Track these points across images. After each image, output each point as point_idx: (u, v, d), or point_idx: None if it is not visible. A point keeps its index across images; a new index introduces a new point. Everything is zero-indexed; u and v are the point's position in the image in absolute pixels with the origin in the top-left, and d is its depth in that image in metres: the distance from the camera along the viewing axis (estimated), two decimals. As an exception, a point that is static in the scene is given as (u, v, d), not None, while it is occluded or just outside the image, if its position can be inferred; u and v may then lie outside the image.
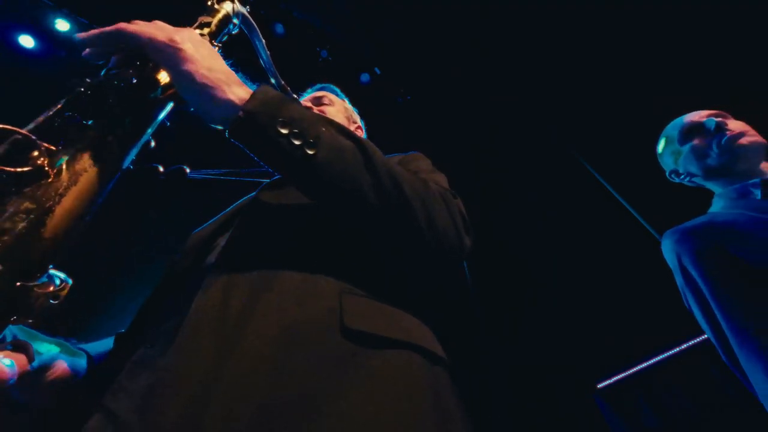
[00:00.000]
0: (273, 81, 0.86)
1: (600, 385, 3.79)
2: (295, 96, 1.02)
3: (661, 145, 1.47)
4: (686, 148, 1.33)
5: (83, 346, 0.66)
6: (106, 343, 0.70)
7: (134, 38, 0.51)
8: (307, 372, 0.43)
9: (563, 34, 3.65)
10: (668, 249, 1.19)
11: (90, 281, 2.64)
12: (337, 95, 1.27)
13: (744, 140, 1.21)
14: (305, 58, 3.74)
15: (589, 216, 3.98)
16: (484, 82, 4.22)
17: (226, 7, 0.70)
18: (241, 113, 0.51)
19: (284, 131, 0.51)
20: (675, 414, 3.32)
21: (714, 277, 1.04)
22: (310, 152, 0.51)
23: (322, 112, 1.13)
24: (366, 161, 0.55)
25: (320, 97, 1.20)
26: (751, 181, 1.18)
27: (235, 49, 0.77)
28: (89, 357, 0.64)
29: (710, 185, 1.35)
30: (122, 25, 0.51)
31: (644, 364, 3.62)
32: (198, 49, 0.53)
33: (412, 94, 4.26)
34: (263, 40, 0.81)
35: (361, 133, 1.28)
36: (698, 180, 1.36)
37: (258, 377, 0.42)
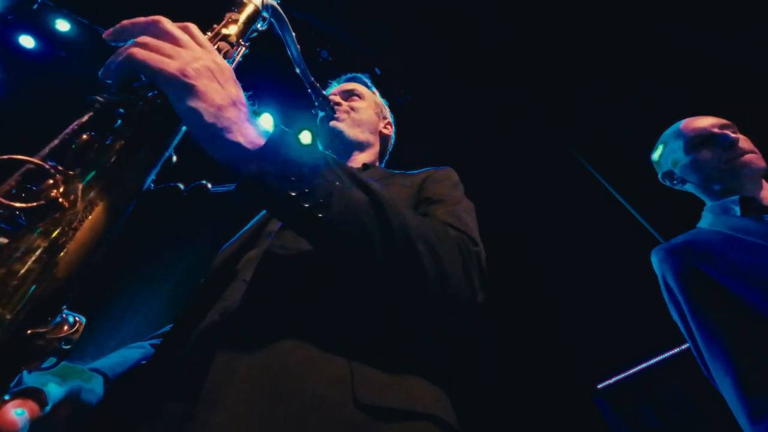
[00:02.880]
0: (301, 76, 0.82)
1: (600, 385, 3.79)
2: (324, 94, 0.99)
3: (659, 148, 1.47)
4: (689, 158, 1.32)
5: (96, 365, 0.65)
6: (120, 360, 0.69)
7: (143, 67, 0.46)
8: None
9: (563, 34, 3.65)
10: (655, 266, 1.28)
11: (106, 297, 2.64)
12: (367, 87, 1.24)
13: (752, 162, 1.21)
14: (305, 59, 3.73)
15: (589, 216, 3.97)
16: (484, 82, 4.22)
17: (256, 1, 0.65)
18: (249, 176, 0.49)
19: (293, 194, 0.49)
20: (675, 414, 3.32)
21: (690, 297, 1.13)
22: (320, 215, 0.50)
23: (352, 107, 1.11)
24: (378, 217, 0.54)
25: (351, 90, 1.17)
26: (730, 198, 1.22)
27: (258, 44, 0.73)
28: (107, 379, 0.63)
29: (699, 194, 1.36)
30: (132, 51, 0.46)
31: (644, 364, 3.61)
32: (211, 83, 0.49)
33: (412, 94, 4.26)
34: (293, 34, 0.77)
35: (390, 130, 1.25)
36: (690, 188, 1.37)
37: None
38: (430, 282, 0.55)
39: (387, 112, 1.28)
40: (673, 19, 3.09)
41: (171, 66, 0.46)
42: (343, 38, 3.85)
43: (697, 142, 1.30)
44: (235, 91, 0.52)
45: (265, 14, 0.68)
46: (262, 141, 0.51)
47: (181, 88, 0.46)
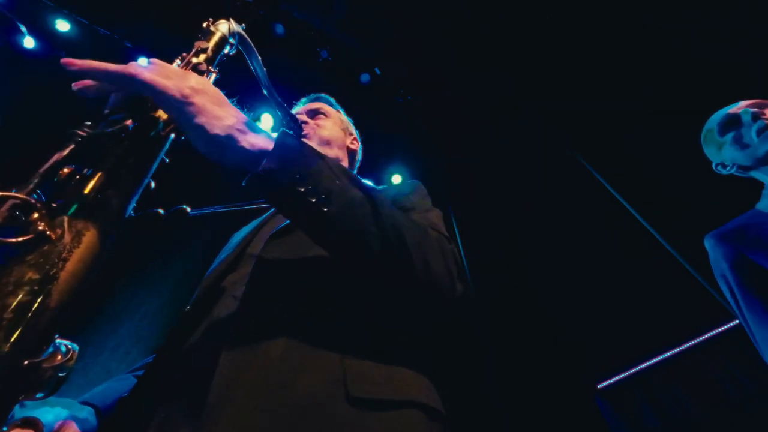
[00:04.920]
0: (268, 96, 0.86)
1: (600, 385, 3.79)
2: (292, 114, 1.03)
3: (703, 139, 1.47)
4: (726, 141, 1.35)
5: (86, 398, 0.67)
6: (109, 391, 0.71)
7: (146, 87, 0.49)
8: None
9: (564, 34, 3.65)
10: (709, 251, 1.31)
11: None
12: (332, 106, 1.28)
13: None
14: (305, 58, 3.74)
15: (589, 216, 3.98)
16: (484, 82, 4.22)
17: (222, 29, 0.69)
18: (260, 170, 0.53)
19: (301, 189, 0.54)
20: (675, 414, 3.32)
21: (741, 287, 1.17)
22: (324, 209, 0.54)
23: (318, 125, 1.15)
24: (374, 212, 0.59)
25: (316, 109, 1.21)
26: None
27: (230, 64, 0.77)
28: (97, 412, 0.64)
29: (757, 174, 1.35)
30: (136, 70, 0.50)
31: (644, 364, 3.61)
32: (208, 99, 0.54)
33: (412, 94, 4.26)
34: (260, 58, 0.81)
35: (357, 145, 1.30)
36: (743, 172, 1.37)
37: None
38: (417, 273, 0.59)
39: (352, 128, 1.33)
40: (672, 18, 3.09)
41: (171, 89, 0.50)
42: (343, 38, 3.85)
43: (725, 124, 1.34)
44: (227, 103, 0.57)
45: (231, 41, 0.71)
46: (266, 144, 0.55)
47: (184, 108, 0.51)
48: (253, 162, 0.53)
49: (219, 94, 0.57)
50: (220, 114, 0.53)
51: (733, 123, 1.32)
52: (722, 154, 1.38)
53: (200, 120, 0.51)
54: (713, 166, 1.47)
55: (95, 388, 0.72)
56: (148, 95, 0.50)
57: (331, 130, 1.16)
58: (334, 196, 0.55)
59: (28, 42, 3.10)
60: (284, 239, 0.72)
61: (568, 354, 3.94)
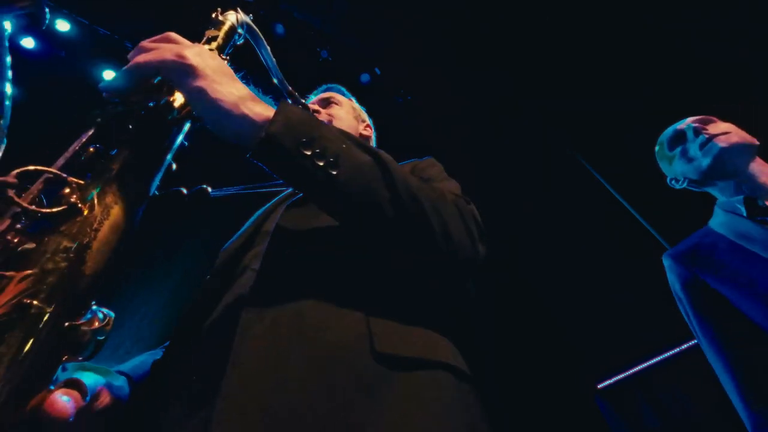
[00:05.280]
0: (279, 85, 0.87)
1: (600, 385, 3.79)
2: (303, 101, 1.03)
3: (656, 154, 1.50)
4: (675, 156, 1.37)
5: (121, 368, 0.67)
6: (142, 364, 0.71)
7: (149, 66, 0.51)
8: (347, 400, 0.45)
9: (564, 34, 3.65)
10: (666, 271, 1.31)
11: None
12: (343, 95, 1.27)
13: (722, 141, 1.22)
14: (305, 58, 3.75)
15: (590, 216, 3.98)
16: (484, 81, 4.23)
17: (231, 18, 0.71)
18: (263, 134, 0.51)
19: (307, 152, 0.52)
20: (675, 414, 3.32)
21: (696, 310, 1.18)
22: (333, 172, 0.53)
23: (331, 114, 1.14)
24: (384, 175, 0.56)
25: (327, 99, 1.20)
26: (735, 198, 1.22)
27: (240, 57, 0.78)
28: (130, 380, 0.65)
29: (710, 190, 1.36)
30: (136, 59, 0.51)
31: (644, 364, 3.61)
32: (207, 64, 0.53)
33: (412, 94, 4.26)
34: (268, 48, 0.82)
35: (370, 132, 1.29)
36: (694, 186, 1.38)
37: (304, 411, 0.44)
38: (435, 234, 0.58)
39: (365, 115, 1.32)
40: (672, 18, 3.10)
41: (168, 55, 0.51)
42: (343, 38, 3.85)
43: (672, 140, 1.37)
44: (231, 73, 0.57)
45: (240, 30, 0.73)
46: (269, 113, 0.54)
47: (182, 70, 0.51)
48: (256, 130, 0.52)
49: (224, 65, 0.57)
50: (222, 80, 0.53)
51: (679, 138, 1.35)
52: (673, 169, 1.40)
53: (201, 83, 0.51)
54: (667, 180, 1.49)
55: (130, 360, 0.73)
56: (154, 71, 0.51)
57: (344, 117, 1.15)
58: (342, 159, 0.54)
59: (28, 42, 3.10)
60: (302, 208, 0.71)
61: (568, 354, 3.94)
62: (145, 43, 0.55)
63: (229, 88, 0.53)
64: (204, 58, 0.54)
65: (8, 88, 0.54)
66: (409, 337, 0.55)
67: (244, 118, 0.52)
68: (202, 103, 0.51)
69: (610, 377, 3.78)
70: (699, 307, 1.17)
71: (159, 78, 0.53)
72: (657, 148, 1.48)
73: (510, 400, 3.51)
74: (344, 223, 0.61)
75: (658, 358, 3.55)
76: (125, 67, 0.51)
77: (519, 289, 4.31)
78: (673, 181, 1.46)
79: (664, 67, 3.24)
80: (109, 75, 3.30)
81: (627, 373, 3.69)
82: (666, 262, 1.29)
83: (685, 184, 1.41)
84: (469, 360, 0.64)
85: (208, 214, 3.09)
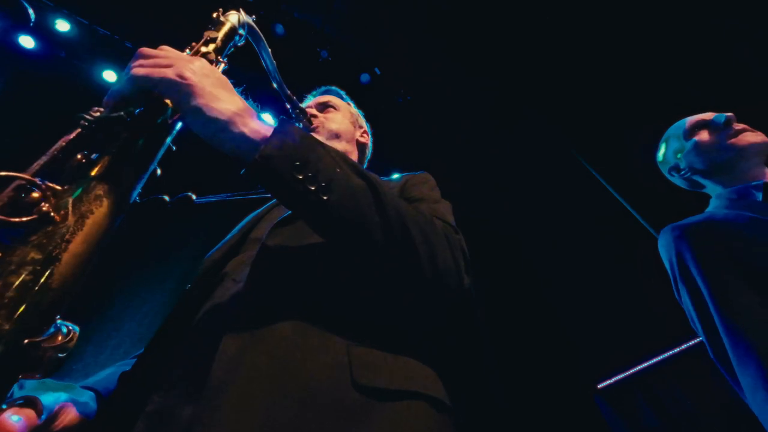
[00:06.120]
0: (278, 89, 0.86)
1: (600, 385, 3.79)
2: (301, 106, 1.02)
3: (662, 146, 1.48)
4: (690, 143, 1.34)
5: (88, 383, 0.66)
6: (109, 376, 0.70)
7: (147, 80, 0.52)
8: (325, 429, 0.45)
9: (564, 34, 3.65)
10: (666, 244, 1.19)
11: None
12: (341, 99, 1.26)
13: (752, 138, 1.22)
14: (305, 58, 3.74)
15: (590, 216, 3.98)
16: (484, 81, 4.22)
17: (232, 19, 0.70)
18: (258, 157, 0.51)
19: (299, 176, 0.52)
20: (675, 414, 3.32)
21: (713, 277, 1.04)
22: (324, 198, 0.53)
23: (327, 119, 1.14)
24: (376, 201, 0.57)
25: (325, 102, 1.20)
26: (753, 183, 1.19)
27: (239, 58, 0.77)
28: (98, 395, 0.63)
29: (709, 183, 1.35)
30: (134, 71, 0.52)
31: (644, 364, 3.61)
32: (206, 81, 0.54)
33: (412, 94, 4.26)
34: (269, 49, 0.81)
35: (367, 138, 1.28)
36: (698, 177, 1.36)
37: None
38: (423, 263, 0.58)
39: (363, 121, 1.31)
40: (672, 18, 3.09)
41: (169, 73, 0.52)
42: (343, 38, 3.85)
43: (693, 127, 1.34)
44: (230, 88, 0.57)
45: (241, 31, 0.71)
46: (266, 131, 0.54)
47: (182, 89, 0.51)
48: (252, 148, 0.52)
49: (224, 79, 0.57)
50: (220, 97, 0.53)
51: (702, 126, 1.32)
52: (681, 158, 1.38)
53: (199, 102, 0.51)
54: (666, 171, 1.46)
55: (98, 373, 0.71)
56: (152, 86, 0.51)
57: (341, 123, 1.15)
58: (335, 184, 0.54)
59: (28, 42, 3.10)
60: (289, 227, 0.71)
61: (568, 354, 3.94)
62: (146, 51, 0.56)
63: (226, 104, 0.53)
64: (203, 75, 0.54)
65: None
66: (387, 368, 0.55)
67: (241, 136, 0.52)
68: (200, 121, 0.51)
69: (610, 377, 3.78)
70: (720, 275, 1.02)
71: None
72: (664, 142, 1.46)
73: (510, 399, 3.51)
74: (332, 245, 0.61)
75: (658, 358, 3.55)
76: (126, 77, 0.52)
77: (519, 289, 4.31)
78: (673, 172, 1.44)
79: (665, 67, 3.24)
80: (109, 75, 3.30)
81: (627, 373, 3.70)
82: (671, 234, 1.17)
83: (688, 174, 1.38)
84: (453, 384, 0.64)
85: (209, 215, 3.09)
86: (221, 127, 0.52)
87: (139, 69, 0.52)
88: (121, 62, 3.32)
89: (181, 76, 0.52)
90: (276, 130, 0.54)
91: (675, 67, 3.17)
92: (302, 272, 0.63)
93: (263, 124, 0.55)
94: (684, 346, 3.42)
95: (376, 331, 0.59)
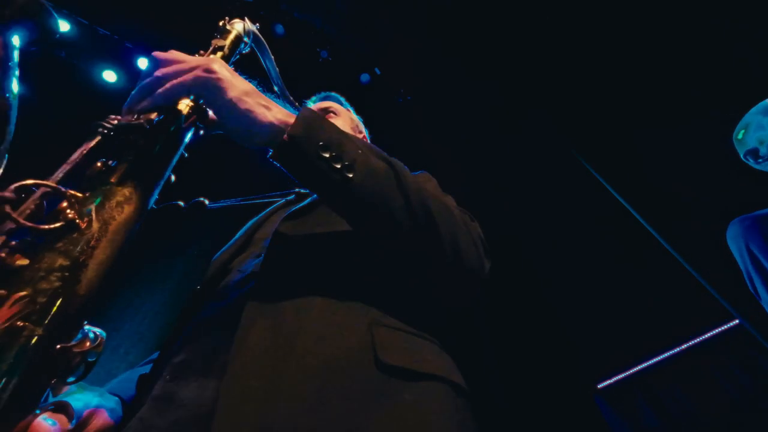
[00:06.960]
0: (279, 94, 0.87)
1: (600, 385, 3.79)
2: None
3: (743, 129, 1.42)
4: None
5: (113, 389, 0.67)
6: (127, 381, 0.70)
7: (182, 87, 0.52)
8: (348, 407, 0.46)
9: (564, 34, 3.64)
10: (735, 234, 1.20)
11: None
12: (341, 104, 1.27)
13: None
14: (305, 59, 3.74)
15: (590, 216, 3.97)
16: (484, 81, 4.22)
17: (238, 27, 0.72)
18: (285, 137, 0.53)
19: (325, 155, 0.54)
20: (675, 414, 3.32)
21: None
22: (349, 175, 0.54)
23: None
24: (398, 182, 0.58)
25: (326, 108, 1.20)
26: None
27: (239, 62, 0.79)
28: (122, 402, 0.64)
29: None
30: (171, 83, 0.52)
31: (644, 364, 3.61)
32: (234, 77, 0.56)
33: (412, 94, 4.26)
34: (272, 57, 0.82)
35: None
36: None
37: (303, 416, 0.44)
38: (444, 244, 0.58)
39: (362, 126, 1.32)
40: (673, 18, 3.09)
41: (198, 72, 0.53)
42: (343, 38, 3.85)
43: None
44: (249, 83, 0.59)
45: (246, 39, 0.74)
46: (289, 117, 0.57)
47: (214, 84, 0.53)
48: (279, 134, 0.54)
49: (240, 77, 0.59)
50: (246, 89, 0.55)
51: None
52: (764, 146, 1.32)
53: (230, 95, 0.53)
54: (743, 155, 1.39)
55: (117, 378, 0.72)
56: (186, 91, 0.52)
57: (342, 128, 1.16)
58: (358, 164, 0.56)
59: (28, 42, 3.09)
60: (299, 220, 0.72)
61: (568, 354, 3.94)
62: (162, 56, 0.56)
63: (255, 98, 0.56)
64: (227, 70, 0.56)
65: (13, 113, 0.52)
66: (409, 350, 0.55)
67: (271, 126, 0.55)
68: (234, 115, 0.53)
69: (610, 377, 3.78)
70: None
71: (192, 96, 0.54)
72: (745, 124, 1.38)
73: (510, 399, 3.51)
74: (355, 227, 0.61)
75: (658, 358, 3.55)
76: (163, 92, 0.51)
77: (519, 289, 4.30)
78: (749, 156, 1.37)
79: (665, 67, 3.24)
80: (109, 75, 3.30)
81: (627, 373, 3.70)
82: (742, 224, 1.18)
83: (765, 163, 1.33)
84: (469, 370, 0.64)
85: (211, 218, 3.09)
86: (251, 118, 0.54)
87: (176, 81, 0.52)
88: (121, 62, 3.32)
89: (209, 70, 0.53)
90: (300, 115, 0.56)
91: (675, 67, 3.17)
92: (318, 257, 0.64)
93: (285, 110, 0.57)
94: (684, 346, 3.42)
95: (397, 315, 0.60)
